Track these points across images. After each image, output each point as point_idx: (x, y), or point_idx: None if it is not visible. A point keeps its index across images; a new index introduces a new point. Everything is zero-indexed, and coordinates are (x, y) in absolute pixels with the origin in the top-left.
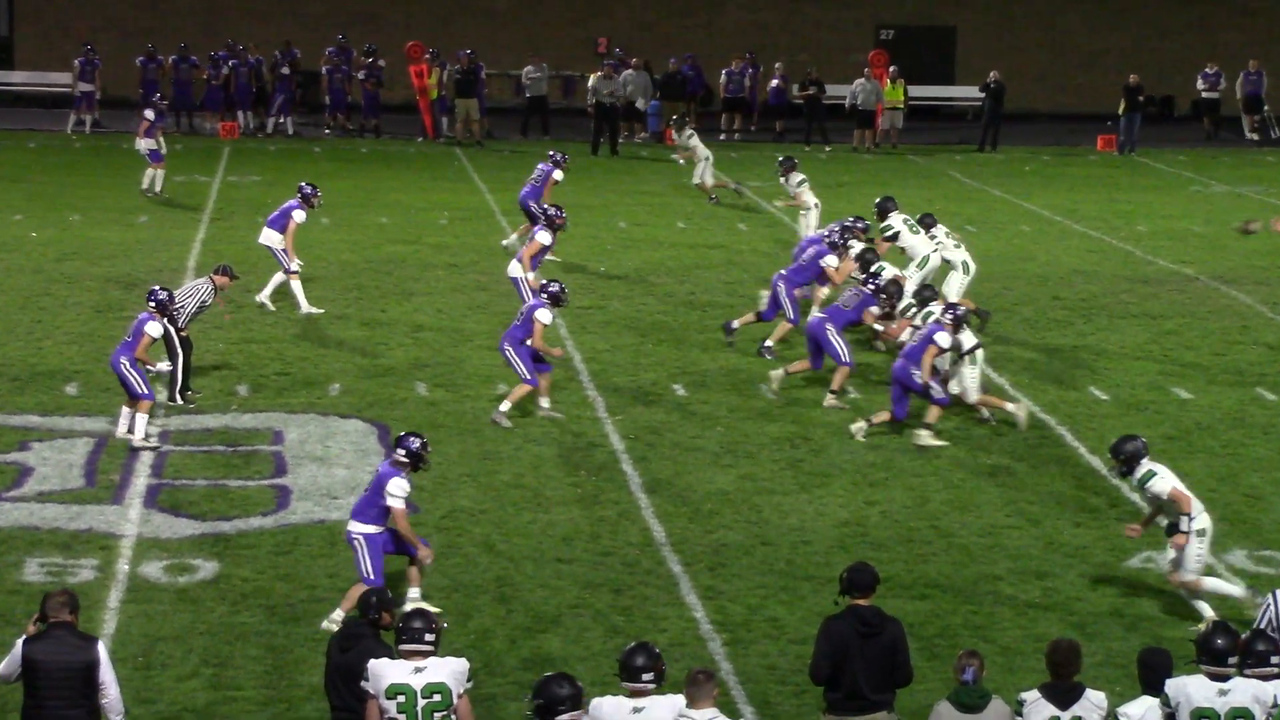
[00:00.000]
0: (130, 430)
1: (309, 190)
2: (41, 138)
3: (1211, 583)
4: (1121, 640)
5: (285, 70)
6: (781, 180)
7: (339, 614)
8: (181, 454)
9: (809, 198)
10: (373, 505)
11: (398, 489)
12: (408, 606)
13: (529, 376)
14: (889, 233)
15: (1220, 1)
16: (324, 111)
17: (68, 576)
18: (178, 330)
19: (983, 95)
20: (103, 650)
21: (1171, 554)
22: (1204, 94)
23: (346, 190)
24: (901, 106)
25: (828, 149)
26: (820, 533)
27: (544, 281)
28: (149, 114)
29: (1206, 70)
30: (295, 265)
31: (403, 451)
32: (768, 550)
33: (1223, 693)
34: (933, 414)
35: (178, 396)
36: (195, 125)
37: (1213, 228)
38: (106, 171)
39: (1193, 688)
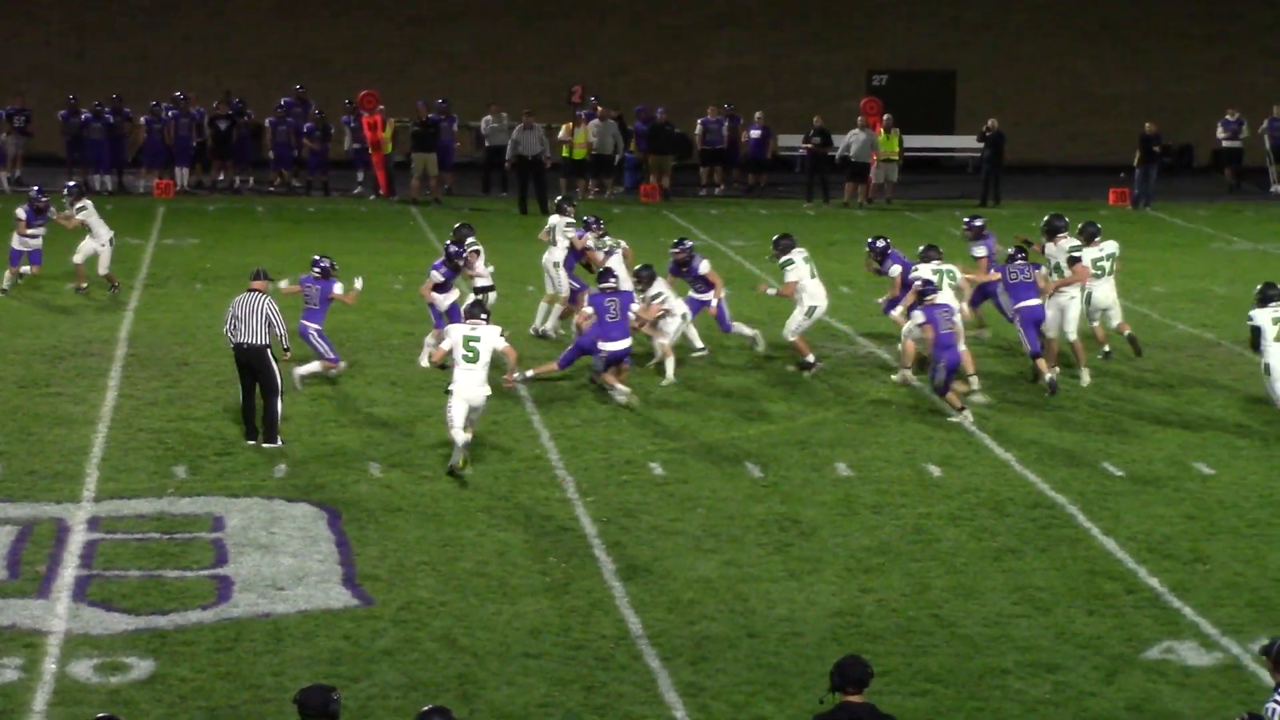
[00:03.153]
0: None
1: (454, 249)
2: None
3: None
4: None
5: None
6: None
7: None
8: (113, 542)
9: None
10: None
11: None
12: None
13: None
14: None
15: (1243, 43)
16: (268, 167)
17: None
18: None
19: (980, 145)
20: None
21: None
22: (1225, 143)
23: (292, 253)
24: (896, 158)
25: (808, 205)
26: (811, 623)
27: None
28: (21, 213)
29: (1228, 117)
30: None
31: None
32: (754, 643)
33: None
34: None
35: (277, 437)
36: (127, 184)
37: (1236, 288)
38: None
39: None
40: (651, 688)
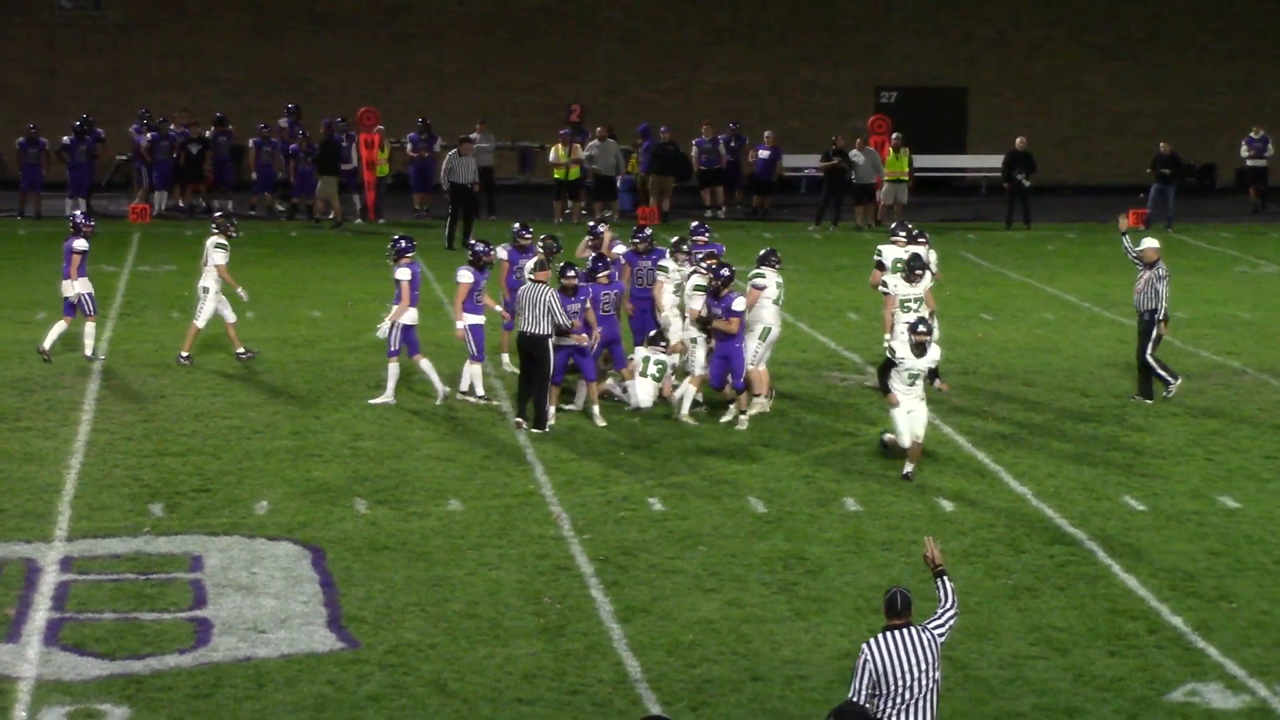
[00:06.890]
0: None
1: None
2: None
3: None
4: None
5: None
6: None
7: None
8: (86, 584)
9: None
10: None
11: None
12: None
13: None
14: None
15: (1267, 57)
16: (249, 190)
17: None
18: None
19: (1005, 166)
20: None
21: None
22: (1249, 162)
23: (274, 280)
24: (905, 179)
25: (813, 228)
26: (818, 666)
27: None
28: (79, 244)
29: (1252, 135)
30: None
31: None
32: (758, 686)
33: None
34: None
35: (546, 424)
36: (98, 208)
37: (1261, 313)
38: None
39: None
40: None
